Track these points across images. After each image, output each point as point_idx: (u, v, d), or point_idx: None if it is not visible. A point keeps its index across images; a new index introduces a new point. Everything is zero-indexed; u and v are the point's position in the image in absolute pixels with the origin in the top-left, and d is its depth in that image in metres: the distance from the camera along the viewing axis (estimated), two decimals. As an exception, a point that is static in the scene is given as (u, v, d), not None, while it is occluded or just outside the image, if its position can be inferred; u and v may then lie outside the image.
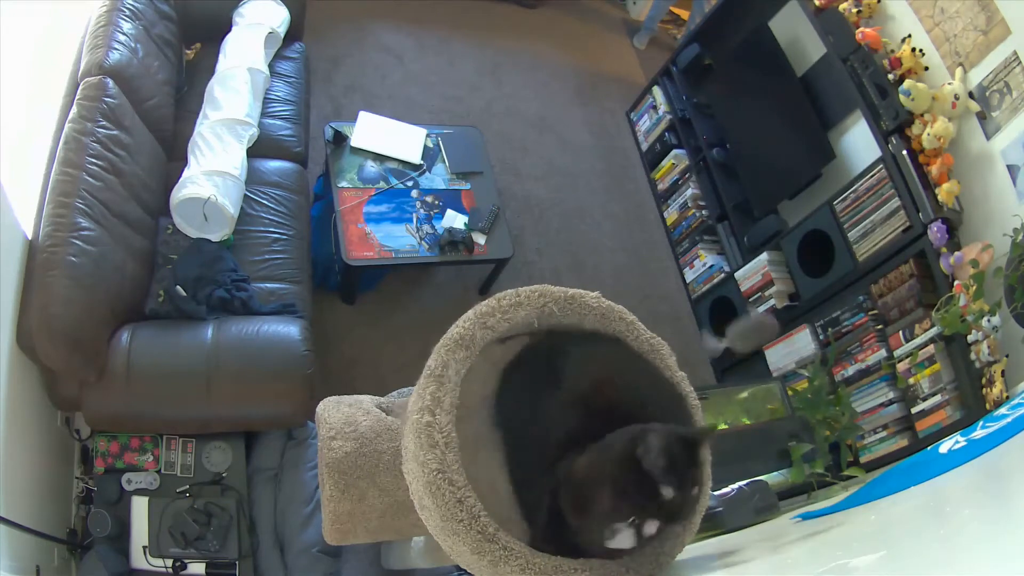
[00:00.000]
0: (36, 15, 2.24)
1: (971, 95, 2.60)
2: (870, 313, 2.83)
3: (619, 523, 1.06)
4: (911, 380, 2.64)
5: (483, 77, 4.08)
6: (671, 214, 3.94)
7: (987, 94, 2.55)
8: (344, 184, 2.83)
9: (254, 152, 2.66)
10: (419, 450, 1.21)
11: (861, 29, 2.87)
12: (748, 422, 2.61)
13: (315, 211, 2.97)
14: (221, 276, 2.35)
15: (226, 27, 2.87)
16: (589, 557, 1.15)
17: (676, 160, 3.89)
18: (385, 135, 3.01)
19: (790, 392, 2.81)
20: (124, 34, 2.41)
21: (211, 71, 2.72)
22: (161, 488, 2.13)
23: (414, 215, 2.87)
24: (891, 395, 2.73)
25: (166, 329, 2.18)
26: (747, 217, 3.50)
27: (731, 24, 3.71)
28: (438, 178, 3.02)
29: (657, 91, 4.04)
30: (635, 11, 4.95)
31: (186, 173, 2.39)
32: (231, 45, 2.78)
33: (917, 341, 2.63)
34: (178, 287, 2.27)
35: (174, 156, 2.57)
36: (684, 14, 4.98)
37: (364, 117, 3.03)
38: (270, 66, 2.91)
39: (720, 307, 3.56)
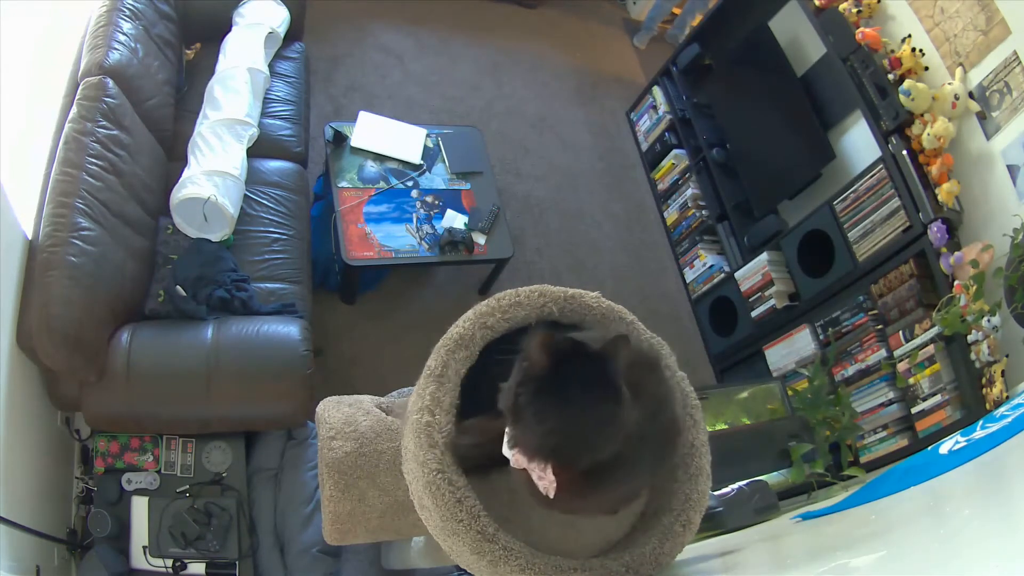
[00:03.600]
0: (36, 15, 2.24)
1: (971, 95, 2.60)
2: (870, 313, 2.83)
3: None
4: (911, 380, 2.64)
5: (483, 77, 4.08)
6: (671, 214, 3.94)
7: (987, 94, 2.55)
8: (344, 184, 2.83)
9: (254, 152, 2.66)
10: (419, 450, 1.21)
11: (861, 29, 2.87)
12: (748, 422, 2.61)
13: (315, 211, 2.97)
14: (221, 276, 2.35)
15: (226, 27, 2.87)
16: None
17: (676, 160, 3.89)
18: (385, 135, 3.01)
19: (790, 392, 2.81)
20: (124, 34, 2.41)
21: (211, 71, 2.72)
22: (161, 488, 2.13)
23: (414, 215, 2.87)
24: (891, 395, 2.73)
25: (166, 329, 2.18)
26: (747, 217, 3.50)
27: (731, 24, 3.71)
28: (438, 178, 3.02)
29: (657, 91, 4.04)
30: (635, 11, 4.95)
31: (186, 173, 2.39)
32: (231, 45, 2.78)
33: (917, 341, 2.63)
34: (178, 287, 2.27)
35: (174, 156, 2.57)
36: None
37: (364, 117, 3.03)
38: (270, 66, 2.91)
39: (720, 307, 3.56)
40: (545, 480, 1.01)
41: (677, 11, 4.85)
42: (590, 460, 1.00)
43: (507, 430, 1.05)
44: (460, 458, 1.24)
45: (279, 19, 2.96)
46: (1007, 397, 2.27)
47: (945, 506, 1.16)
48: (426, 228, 2.86)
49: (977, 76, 2.59)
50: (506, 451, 1.06)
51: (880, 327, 2.80)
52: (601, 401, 0.99)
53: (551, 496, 1.02)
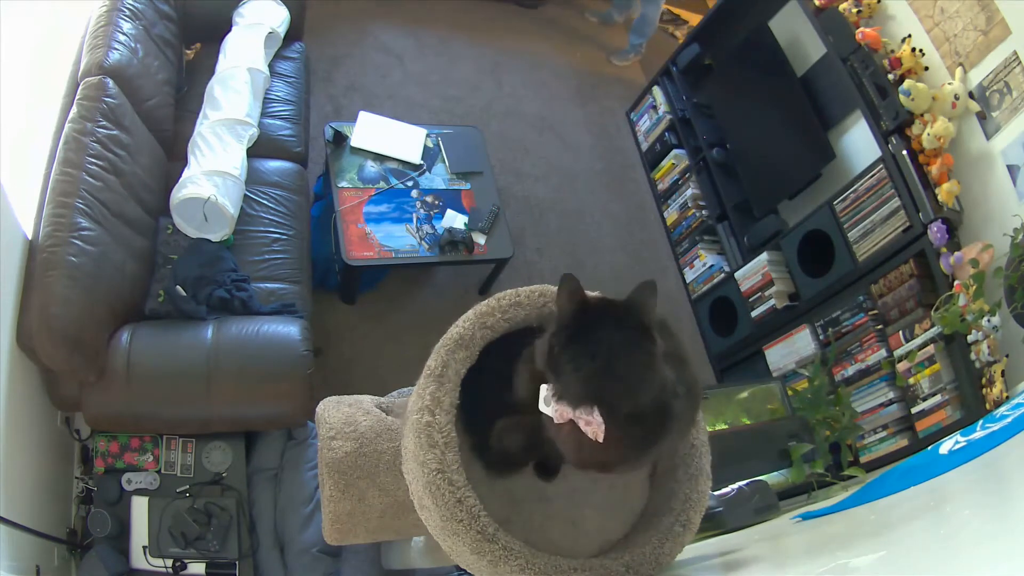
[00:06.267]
0: (36, 15, 2.24)
1: (971, 95, 2.60)
2: (870, 313, 2.83)
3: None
4: (911, 380, 2.64)
5: (483, 77, 4.08)
6: (671, 214, 3.94)
7: (987, 94, 2.55)
8: (344, 184, 2.83)
9: (254, 152, 2.66)
10: (419, 450, 1.21)
11: (861, 29, 2.87)
12: (748, 422, 2.61)
13: (315, 211, 2.97)
14: (221, 276, 2.35)
15: (226, 27, 2.87)
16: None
17: (676, 160, 3.89)
18: (385, 135, 3.01)
19: (790, 392, 2.81)
20: (124, 34, 2.41)
21: (211, 71, 2.72)
22: (161, 488, 2.13)
23: (414, 215, 2.87)
24: (891, 395, 2.73)
25: (166, 329, 2.18)
26: (747, 217, 3.50)
27: (731, 24, 3.71)
28: (438, 178, 3.02)
29: (657, 91, 4.04)
30: (635, 11, 4.93)
31: (186, 173, 2.39)
32: (231, 45, 2.78)
33: (917, 341, 2.63)
34: (178, 287, 2.27)
35: (174, 156, 2.57)
36: (684, 14, 4.98)
37: (364, 117, 3.03)
38: (270, 66, 2.91)
39: (720, 307, 3.56)
40: (593, 424, 1.00)
41: (677, 11, 4.84)
42: (632, 403, 1.00)
43: (546, 386, 1.06)
44: (504, 459, 1.26)
45: (279, 19, 2.96)
46: (1007, 397, 2.27)
47: (945, 506, 1.16)
48: (426, 228, 2.86)
49: (977, 76, 2.59)
50: (547, 409, 1.06)
51: (880, 327, 2.80)
52: (634, 343, 1.00)
53: (600, 440, 1.00)
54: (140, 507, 2.11)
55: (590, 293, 1.13)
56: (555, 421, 1.04)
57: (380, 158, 2.96)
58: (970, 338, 2.43)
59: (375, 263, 2.76)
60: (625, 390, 0.99)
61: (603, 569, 1.20)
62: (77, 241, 1.97)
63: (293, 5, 3.05)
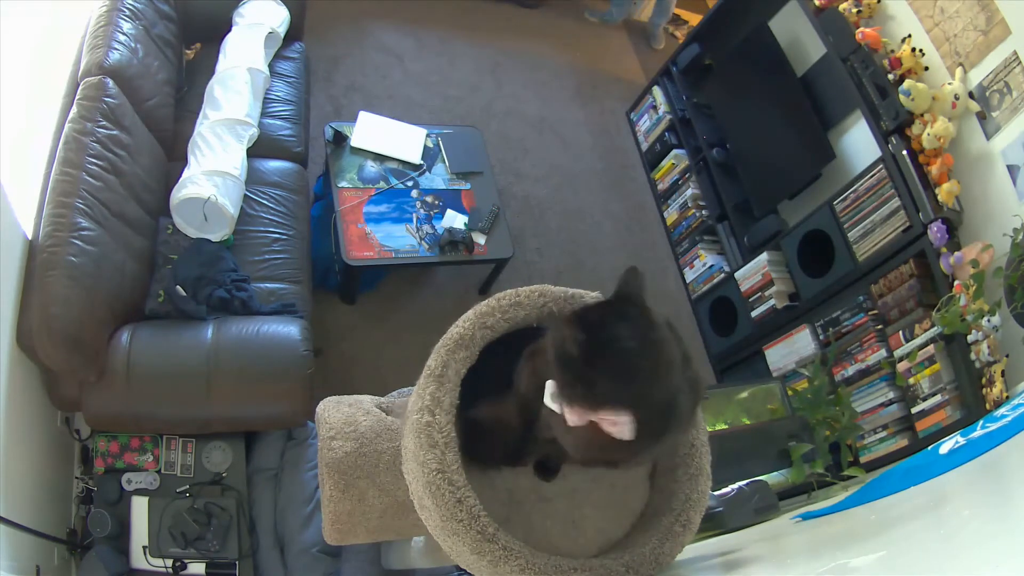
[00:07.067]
0: (36, 15, 2.24)
1: (971, 95, 2.60)
2: (870, 313, 2.83)
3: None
4: (911, 380, 2.64)
5: (483, 77, 4.08)
6: (671, 214, 3.94)
7: (987, 94, 2.56)
8: (344, 184, 2.83)
9: (254, 152, 2.66)
10: (419, 450, 1.21)
11: (861, 29, 2.88)
12: (748, 422, 2.61)
13: (315, 211, 2.97)
14: (221, 276, 2.35)
15: (226, 27, 2.87)
16: None
17: (676, 160, 3.89)
18: (385, 135, 3.01)
19: (790, 392, 2.81)
20: (124, 34, 2.41)
21: (211, 71, 2.72)
22: (161, 488, 2.13)
23: (414, 215, 2.87)
24: (891, 395, 2.73)
25: (166, 329, 2.18)
26: (747, 217, 3.50)
27: (731, 24, 3.71)
28: (438, 178, 3.02)
29: (657, 91, 4.04)
30: (635, 11, 4.94)
31: (186, 173, 2.39)
32: (231, 45, 2.78)
33: (917, 341, 2.63)
34: (178, 287, 2.27)
35: (174, 156, 2.57)
36: (684, 14, 4.98)
37: (364, 117, 3.03)
38: (270, 66, 2.91)
39: (720, 307, 3.56)
40: (619, 423, 0.97)
41: (678, 11, 4.85)
42: (657, 398, 0.98)
43: (552, 383, 1.04)
44: (464, 448, 1.25)
45: (279, 19, 2.96)
46: (1007, 397, 2.27)
47: (945, 506, 1.16)
48: (426, 228, 2.86)
49: (977, 76, 2.59)
50: (556, 408, 1.04)
51: (880, 327, 2.80)
52: (646, 338, 0.99)
53: (630, 438, 0.97)
54: (140, 507, 2.11)
55: (588, 293, 1.13)
56: (570, 424, 1.03)
57: (380, 158, 2.96)
58: (970, 338, 2.43)
59: (375, 263, 2.76)
60: (648, 387, 0.98)
61: (603, 569, 1.20)
62: (77, 241, 1.97)
63: (293, 5, 3.05)
